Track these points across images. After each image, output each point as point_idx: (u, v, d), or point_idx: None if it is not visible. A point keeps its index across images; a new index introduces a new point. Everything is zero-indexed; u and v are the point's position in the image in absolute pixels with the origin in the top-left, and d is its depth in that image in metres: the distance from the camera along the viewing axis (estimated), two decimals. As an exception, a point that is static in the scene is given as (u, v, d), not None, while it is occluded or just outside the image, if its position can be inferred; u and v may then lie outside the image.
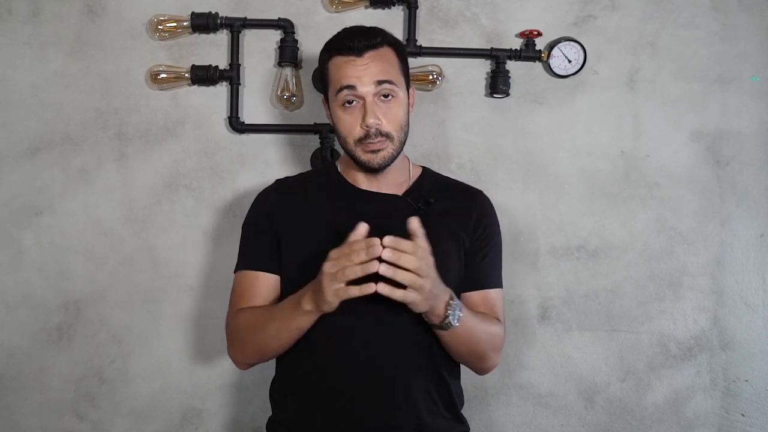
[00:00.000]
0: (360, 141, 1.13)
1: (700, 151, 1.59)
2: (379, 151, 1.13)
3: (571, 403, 1.59)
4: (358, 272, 0.93)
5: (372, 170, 1.16)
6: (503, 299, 1.25)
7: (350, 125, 1.14)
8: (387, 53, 1.15)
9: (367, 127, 1.11)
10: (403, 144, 1.18)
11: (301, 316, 1.05)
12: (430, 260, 0.97)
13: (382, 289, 0.93)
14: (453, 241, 1.18)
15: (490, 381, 1.56)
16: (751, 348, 1.60)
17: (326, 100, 1.21)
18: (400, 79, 1.16)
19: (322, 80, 1.21)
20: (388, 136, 1.13)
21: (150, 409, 1.56)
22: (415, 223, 0.96)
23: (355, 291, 0.94)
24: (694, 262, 1.59)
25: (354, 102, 1.13)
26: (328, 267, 0.96)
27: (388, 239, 0.93)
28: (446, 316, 1.03)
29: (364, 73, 1.12)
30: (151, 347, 1.55)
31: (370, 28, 1.17)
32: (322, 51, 1.18)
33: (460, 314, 1.05)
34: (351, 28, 1.18)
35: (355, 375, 1.12)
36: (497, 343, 1.18)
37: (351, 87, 1.12)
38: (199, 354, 1.56)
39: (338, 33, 1.18)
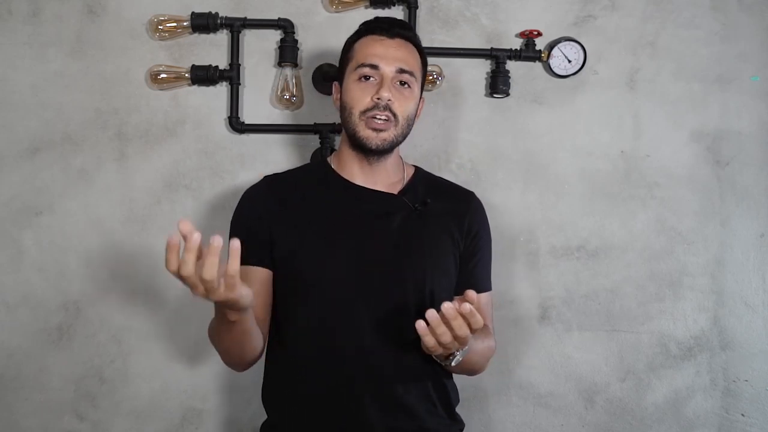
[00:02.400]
0: (365, 112, 1.13)
1: (700, 151, 1.59)
2: (381, 131, 1.13)
3: (571, 403, 1.59)
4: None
5: (368, 151, 1.15)
6: (491, 302, 1.27)
7: (360, 96, 1.13)
8: (414, 50, 1.19)
9: (378, 99, 1.11)
10: (404, 137, 1.18)
11: None
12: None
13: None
14: (450, 241, 1.18)
15: (489, 381, 1.56)
16: (751, 348, 1.59)
17: (338, 83, 1.21)
18: (418, 76, 1.18)
19: (340, 60, 1.22)
20: (395, 116, 1.13)
21: (150, 409, 1.56)
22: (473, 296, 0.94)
23: None
24: (694, 262, 1.59)
25: (371, 78, 1.14)
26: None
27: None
28: (451, 356, 1.03)
29: (392, 54, 1.13)
30: (151, 347, 1.55)
31: (408, 23, 1.23)
32: (351, 35, 1.21)
33: (466, 350, 1.03)
34: (387, 17, 1.22)
35: (352, 379, 1.10)
36: (490, 354, 1.21)
37: (374, 66, 1.13)
38: (199, 354, 1.56)
39: (374, 18, 1.22)
